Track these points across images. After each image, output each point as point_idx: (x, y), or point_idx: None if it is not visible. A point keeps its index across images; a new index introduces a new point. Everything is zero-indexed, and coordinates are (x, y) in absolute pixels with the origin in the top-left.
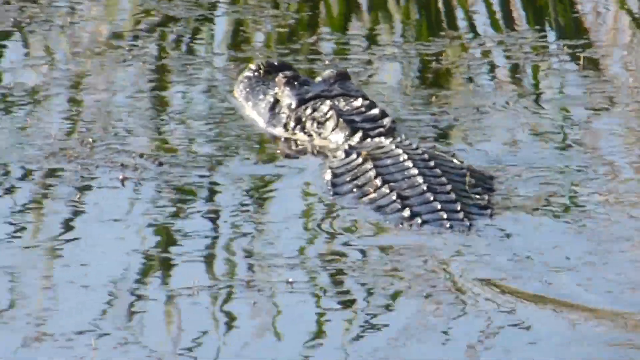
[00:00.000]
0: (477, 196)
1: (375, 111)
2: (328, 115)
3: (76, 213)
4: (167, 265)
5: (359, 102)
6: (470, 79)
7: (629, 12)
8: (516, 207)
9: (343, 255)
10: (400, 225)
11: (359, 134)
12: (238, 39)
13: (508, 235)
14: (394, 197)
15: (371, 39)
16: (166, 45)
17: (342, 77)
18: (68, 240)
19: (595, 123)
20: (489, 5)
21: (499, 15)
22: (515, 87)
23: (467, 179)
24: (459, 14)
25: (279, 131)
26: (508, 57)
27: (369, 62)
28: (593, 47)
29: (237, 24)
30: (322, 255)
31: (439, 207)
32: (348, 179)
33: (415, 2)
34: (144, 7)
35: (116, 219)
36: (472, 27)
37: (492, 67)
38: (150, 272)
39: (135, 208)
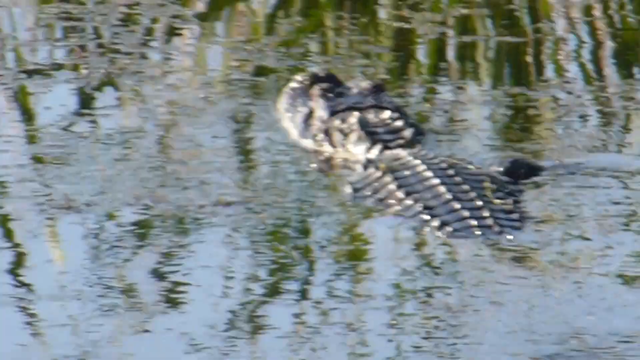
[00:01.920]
0: (501, 201)
1: (399, 123)
2: (353, 127)
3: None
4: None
5: (386, 114)
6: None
7: None
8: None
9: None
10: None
11: (379, 146)
12: None
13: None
14: (420, 208)
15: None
16: (255, 95)
17: (378, 88)
18: None
19: None
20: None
21: (589, 67)
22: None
23: (488, 184)
24: (549, 65)
25: (308, 143)
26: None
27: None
28: None
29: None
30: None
31: (467, 214)
32: (369, 192)
33: (505, 55)
34: (236, 57)
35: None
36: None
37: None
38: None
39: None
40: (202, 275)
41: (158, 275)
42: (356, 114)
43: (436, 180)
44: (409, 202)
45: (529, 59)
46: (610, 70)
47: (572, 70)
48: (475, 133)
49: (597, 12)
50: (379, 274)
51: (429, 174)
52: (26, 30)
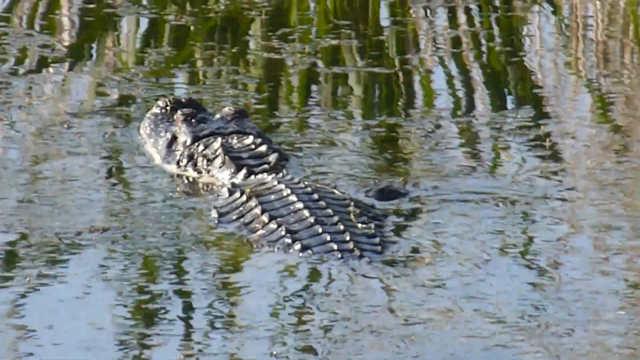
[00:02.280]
0: (364, 225)
1: (262, 148)
2: (217, 153)
3: None
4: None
5: (249, 139)
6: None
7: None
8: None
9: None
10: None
11: (244, 171)
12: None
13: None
14: (283, 232)
15: (331, 116)
16: (120, 124)
17: (240, 114)
18: None
19: None
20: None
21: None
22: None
23: (352, 209)
24: (419, 91)
25: (172, 168)
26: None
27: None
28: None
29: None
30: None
31: (328, 238)
32: (234, 217)
33: (377, 82)
34: (104, 87)
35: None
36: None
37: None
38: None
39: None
40: (74, 305)
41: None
42: (219, 139)
43: (300, 204)
44: (272, 225)
45: (398, 89)
46: (479, 100)
47: (442, 100)
48: (344, 159)
49: (465, 44)
50: (254, 303)
51: (293, 198)
52: None
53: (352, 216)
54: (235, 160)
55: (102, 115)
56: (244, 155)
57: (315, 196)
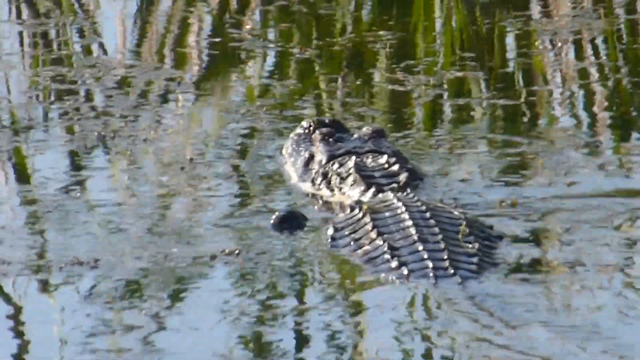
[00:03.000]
0: (469, 244)
1: (395, 167)
2: (350, 171)
3: None
4: None
5: (383, 158)
6: None
7: None
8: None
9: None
10: (388, 276)
11: (372, 190)
12: None
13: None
14: (385, 248)
15: None
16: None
17: (378, 134)
18: None
19: None
20: None
21: None
22: None
23: (462, 227)
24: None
25: (307, 186)
26: None
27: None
28: None
29: None
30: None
31: (425, 256)
32: (347, 232)
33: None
34: (229, 119)
35: None
36: None
37: None
38: None
39: None
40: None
41: None
42: (354, 157)
43: (409, 222)
44: (378, 242)
45: (522, 119)
46: (604, 131)
47: (567, 129)
48: (470, 185)
49: (591, 76)
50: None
51: (405, 215)
52: (21, 92)
53: (459, 235)
54: (367, 178)
55: (226, 148)
56: (377, 174)
57: (427, 215)
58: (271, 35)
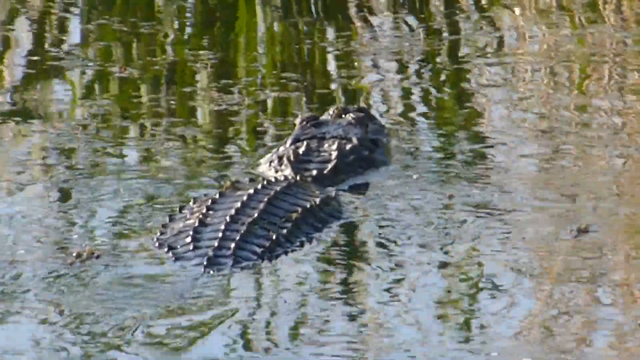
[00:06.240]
0: (271, 233)
1: (333, 155)
2: (288, 154)
3: None
4: None
5: (331, 145)
6: None
7: None
8: None
9: None
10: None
11: (289, 172)
12: None
13: None
14: (190, 232)
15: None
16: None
17: (358, 121)
18: None
19: None
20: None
21: None
22: None
23: (295, 215)
24: None
25: (264, 168)
26: None
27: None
28: None
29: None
30: None
31: (188, 240)
32: (186, 213)
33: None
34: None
35: None
36: None
37: None
38: None
39: None
40: None
41: None
42: (306, 142)
43: (237, 205)
44: (189, 222)
45: None
46: None
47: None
48: None
49: (415, 94)
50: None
51: (243, 199)
52: None
53: (281, 220)
54: (300, 163)
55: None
56: (313, 159)
57: (265, 199)
58: (91, 53)
